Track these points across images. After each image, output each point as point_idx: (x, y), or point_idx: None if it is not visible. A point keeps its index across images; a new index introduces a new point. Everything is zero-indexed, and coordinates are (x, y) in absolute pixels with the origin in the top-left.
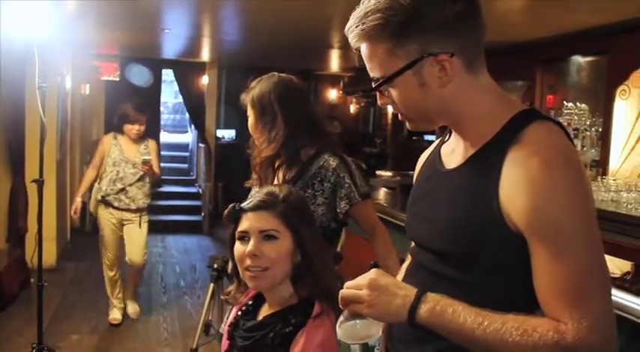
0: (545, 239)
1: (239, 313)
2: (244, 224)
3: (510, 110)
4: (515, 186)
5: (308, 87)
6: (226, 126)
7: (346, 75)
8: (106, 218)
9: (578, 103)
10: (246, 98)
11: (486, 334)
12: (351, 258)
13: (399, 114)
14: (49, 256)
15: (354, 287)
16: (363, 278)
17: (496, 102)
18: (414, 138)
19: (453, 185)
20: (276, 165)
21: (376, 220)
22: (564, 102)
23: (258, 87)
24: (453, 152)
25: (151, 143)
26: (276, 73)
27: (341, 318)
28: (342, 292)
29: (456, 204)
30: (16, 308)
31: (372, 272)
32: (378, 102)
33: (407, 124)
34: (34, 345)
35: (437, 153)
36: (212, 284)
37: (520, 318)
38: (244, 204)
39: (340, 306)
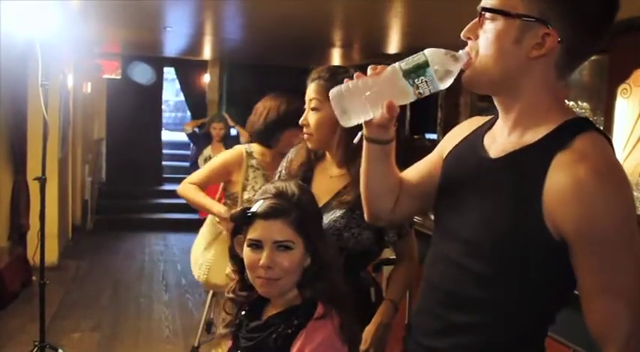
0: (593, 247)
1: (243, 313)
2: (256, 232)
3: (564, 115)
4: (564, 192)
5: None
6: None
7: None
8: None
9: (579, 102)
10: (322, 86)
11: None
12: None
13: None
14: (51, 254)
15: None
16: None
17: (555, 104)
18: (416, 136)
19: (494, 177)
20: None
21: (413, 249)
22: (565, 101)
23: (338, 77)
24: (495, 142)
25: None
26: (348, 69)
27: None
28: None
29: (495, 197)
30: (17, 305)
31: None
32: (464, 32)
33: (465, 73)
34: (37, 343)
35: (480, 137)
36: None
37: None
38: (255, 208)
39: None
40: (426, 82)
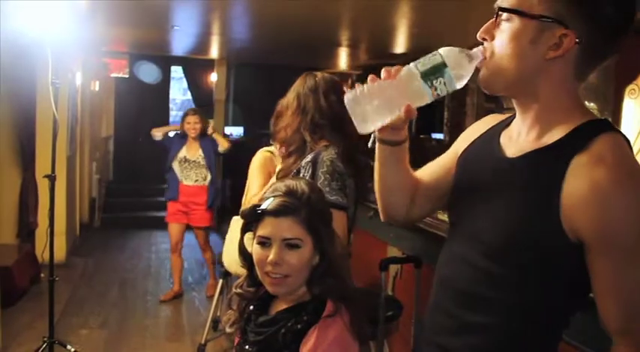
0: (611, 250)
1: (251, 308)
2: (266, 229)
3: (583, 117)
4: (582, 195)
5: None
6: (234, 124)
7: (354, 73)
8: None
9: (586, 103)
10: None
11: None
12: (359, 255)
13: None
14: (59, 251)
15: None
16: None
17: (574, 105)
18: (422, 136)
19: (510, 177)
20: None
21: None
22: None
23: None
24: (511, 140)
25: None
26: (309, 73)
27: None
28: None
29: (510, 197)
30: (26, 302)
31: None
32: (480, 32)
33: (480, 72)
34: (45, 339)
35: (497, 135)
36: (221, 280)
37: None
38: (265, 205)
39: None
40: (445, 82)
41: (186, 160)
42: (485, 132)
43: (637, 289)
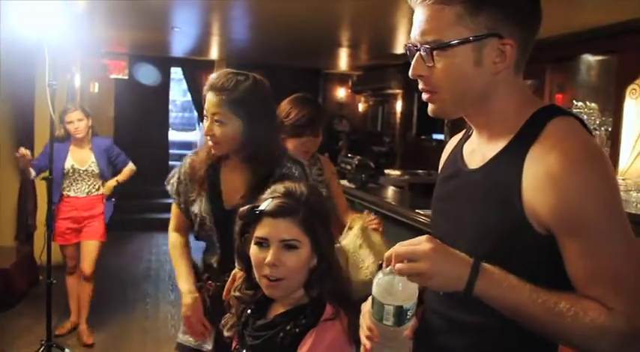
0: (575, 233)
1: (249, 311)
2: (264, 229)
3: (531, 107)
4: (538, 184)
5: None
6: None
7: (355, 73)
8: None
9: (587, 102)
10: (226, 100)
11: (538, 311)
12: None
13: (425, 93)
14: (57, 254)
15: (409, 244)
16: (419, 238)
17: (522, 100)
18: (423, 137)
19: (476, 187)
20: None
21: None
22: (574, 101)
23: (240, 88)
24: (474, 152)
25: None
26: (248, 74)
27: (379, 275)
28: (397, 249)
29: (480, 206)
30: (24, 305)
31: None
32: (411, 71)
33: (429, 107)
34: (43, 342)
35: (459, 150)
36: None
37: (573, 299)
38: (263, 206)
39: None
40: (393, 312)
41: (74, 171)
42: (451, 152)
43: (610, 263)
